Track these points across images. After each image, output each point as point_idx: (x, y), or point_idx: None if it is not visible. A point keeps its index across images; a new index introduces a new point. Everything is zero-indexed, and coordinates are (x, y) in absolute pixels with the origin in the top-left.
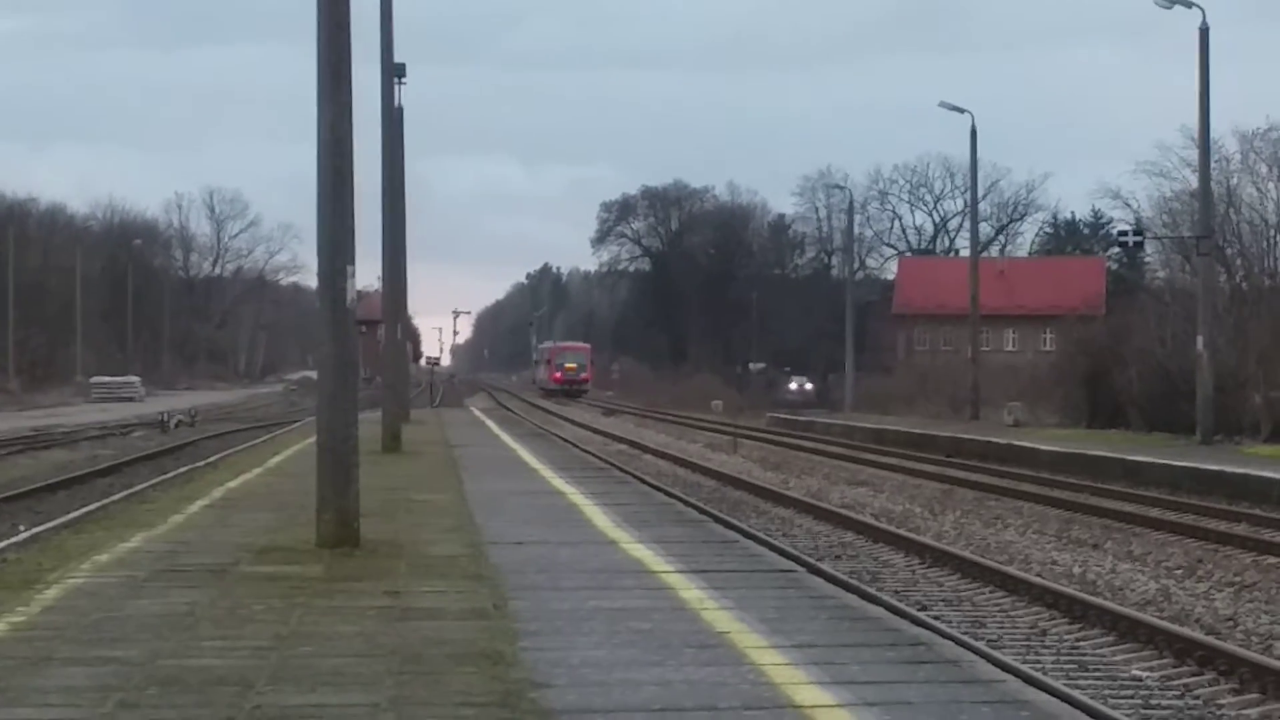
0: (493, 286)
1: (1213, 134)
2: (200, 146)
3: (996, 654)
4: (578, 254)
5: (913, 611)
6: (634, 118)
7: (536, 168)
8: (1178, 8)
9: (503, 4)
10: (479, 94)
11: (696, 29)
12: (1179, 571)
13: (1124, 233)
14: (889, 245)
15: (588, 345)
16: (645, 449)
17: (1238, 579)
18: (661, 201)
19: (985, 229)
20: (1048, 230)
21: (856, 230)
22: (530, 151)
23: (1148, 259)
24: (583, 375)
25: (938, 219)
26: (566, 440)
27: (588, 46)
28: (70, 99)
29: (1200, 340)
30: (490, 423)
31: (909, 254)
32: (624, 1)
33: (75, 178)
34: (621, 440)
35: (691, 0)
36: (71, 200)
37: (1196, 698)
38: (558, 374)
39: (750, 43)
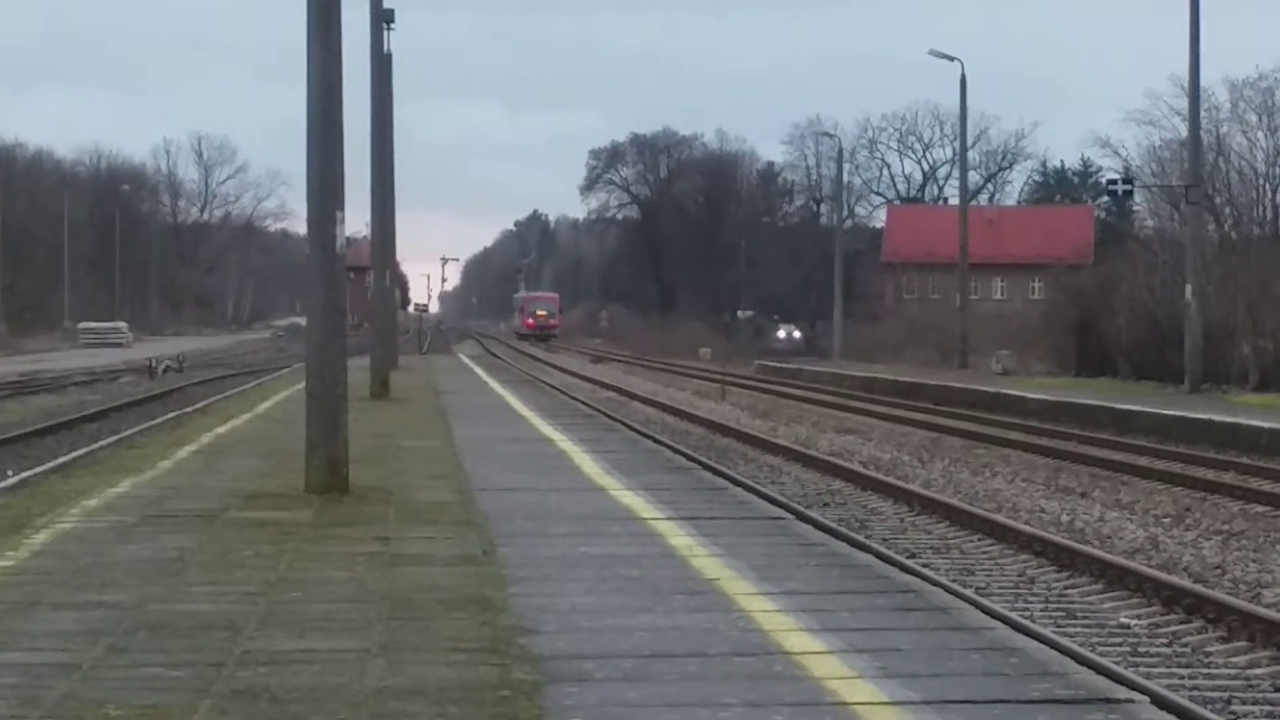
0: (481, 233)
1: (1202, 83)
2: (188, 91)
3: (985, 601)
4: (565, 201)
5: (901, 559)
6: (619, 63)
7: (520, 113)
8: None
9: None
10: (460, 38)
11: None
12: (1167, 519)
13: (1113, 181)
14: (878, 193)
15: (556, 295)
16: (634, 396)
17: (1225, 527)
18: (650, 149)
19: (974, 177)
20: (1037, 179)
21: (846, 178)
22: (514, 97)
23: (1137, 208)
24: (551, 321)
25: (927, 167)
26: (555, 387)
27: None
28: (50, 42)
29: (1189, 289)
30: (478, 369)
31: (898, 202)
32: None
33: (57, 122)
34: (610, 387)
35: None
36: (56, 145)
37: (1184, 645)
38: (530, 320)
39: None
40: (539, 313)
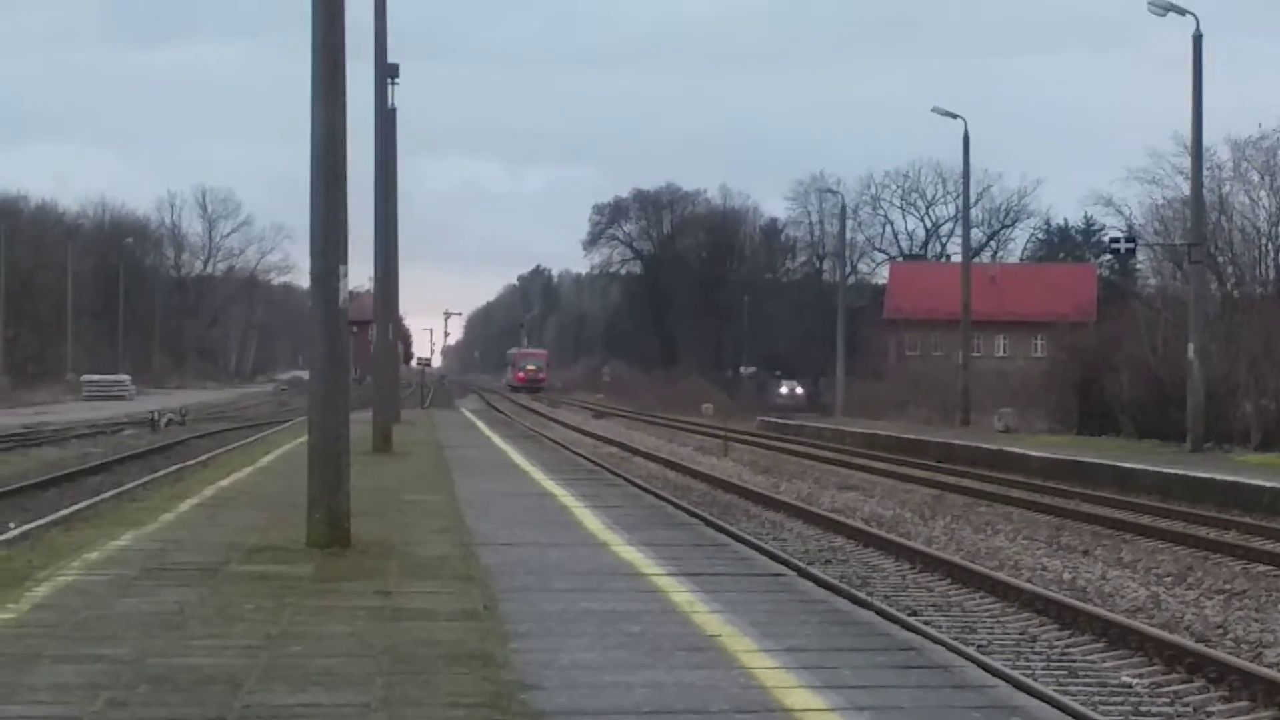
0: (484, 287)
1: (1205, 141)
2: (192, 145)
3: (987, 659)
4: (568, 256)
5: (903, 616)
6: (618, 118)
7: (519, 168)
8: (1171, 15)
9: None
10: (458, 92)
11: (682, 28)
12: (1169, 578)
13: (1116, 240)
14: (880, 250)
15: (544, 351)
16: (636, 451)
17: (1228, 586)
18: (653, 204)
19: (977, 235)
20: (1040, 236)
21: (848, 235)
22: (511, 151)
23: (1139, 266)
24: (540, 375)
25: (929, 224)
26: (557, 442)
27: (567, 44)
28: (51, 95)
29: (1191, 347)
30: (481, 424)
31: (900, 259)
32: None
33: (60, 175)
34: (612, 443)
35: None
36: (60, 198)
37: (1186, 705)
38: (520, 374)
39: (738, 44)
40: (529, 367)
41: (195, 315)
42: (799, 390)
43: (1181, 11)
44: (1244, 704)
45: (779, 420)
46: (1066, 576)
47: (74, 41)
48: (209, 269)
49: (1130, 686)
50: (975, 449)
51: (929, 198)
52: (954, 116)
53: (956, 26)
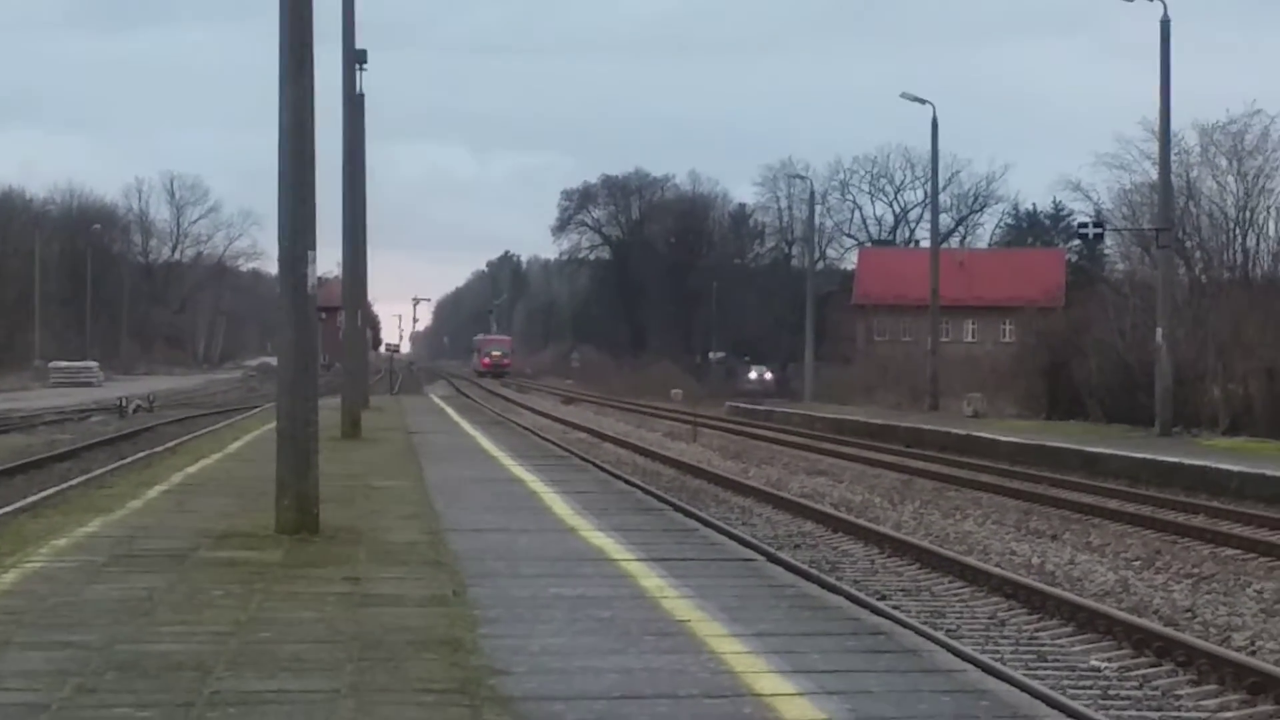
0: (453, 274)
1: (1173, 127)
2: (159, 131)
3: (956, 644)
4: (536, 242)
5: (872, 601)
6: (585, 104)
7: (486, 154)
8: (1139, 0)
9: None
10: (424, 79)
11: (651, 14)
12: (1137, 563)
13: (1084, 225)
14: (849, 235)
15: (509, 338)
16: (605, 437)
17: (1196, 570)
18: (622, 190)
19: (945, 220)
20: (1008, 222)
21: (817, 220)
22: (479, 138)
23: (1108, 251)
24: (505, 360)
25: (898, 210)
26: (526, 428)
27: (535, 31)
28: (16, 81)
29: (1159, 332)
30: (450, 410)
31: (869, 244)
32: None
33: (26, 161)
34: (581, 428)
35: None
36: (27, 184)
37: (1155, 688)
38: (485, 360)
39: (707, 29)
40: (494, 353)
41: (163, 302)
42: (768, 375)
43: None
44: (1212, 687)
45: (748, 405)
46: (1035, 561)
47: (41, 27)
48: (177, 255)
49: (1099, 670)
50: (944, 434)
51: (897, 183)
52: (922, 102)
53: (925, 12)
